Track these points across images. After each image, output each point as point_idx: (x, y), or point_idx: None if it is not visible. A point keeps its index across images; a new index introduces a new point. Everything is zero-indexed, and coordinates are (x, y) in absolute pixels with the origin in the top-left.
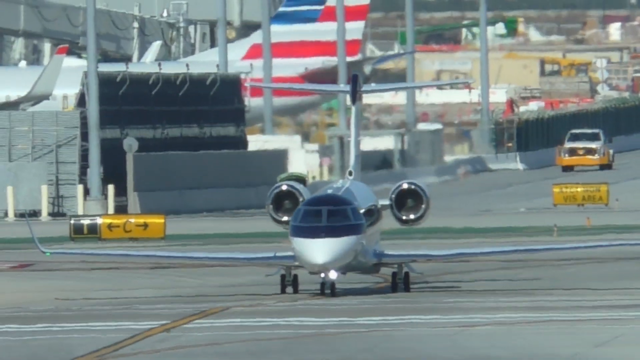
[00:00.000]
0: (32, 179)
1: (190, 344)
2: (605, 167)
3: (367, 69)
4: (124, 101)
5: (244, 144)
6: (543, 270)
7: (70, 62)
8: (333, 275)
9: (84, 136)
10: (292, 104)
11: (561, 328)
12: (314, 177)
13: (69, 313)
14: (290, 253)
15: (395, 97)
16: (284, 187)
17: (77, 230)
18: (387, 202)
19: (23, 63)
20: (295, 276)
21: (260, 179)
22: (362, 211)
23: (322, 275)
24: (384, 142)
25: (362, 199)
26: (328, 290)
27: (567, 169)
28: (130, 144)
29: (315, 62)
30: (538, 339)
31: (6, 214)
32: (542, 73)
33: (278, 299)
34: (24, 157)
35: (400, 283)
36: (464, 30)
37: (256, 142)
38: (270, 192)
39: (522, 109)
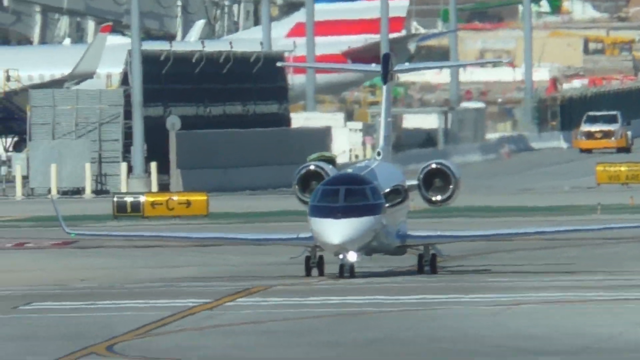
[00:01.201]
0: (76, 157)
1: (233, 322)
2: (623, 150)
3: (411, 46)
4: (167, 79)
5: (286, 121)
6: (586, 249)
7: (114, 40)
8: (352, 256)
9: (128, 114)
10: (334, 81)
11: (604, 307)
12: (357, 156)
13: (112, 290)
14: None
15: (439, 75)
16: (311, 167)
17: (120, 208)
18: (415, 182)
19: (67, 41)
20: (321, 257)
21: (303, 156)
22: (387, 191)
23: (341, 256)
24: (428, 121)
25: (386, 180)
26: (347, 273)
27: (585, 151)
28: (173, 122)
29: (358, 40)
30: (581, 318)
31: (50, 192)
32: (586, 51)
33: (320, 277)
34: (67, 135)
35: (427, 265)
36: (519, 7)
37: (299, 119)
38: (297, 172)
39: (565, 87)
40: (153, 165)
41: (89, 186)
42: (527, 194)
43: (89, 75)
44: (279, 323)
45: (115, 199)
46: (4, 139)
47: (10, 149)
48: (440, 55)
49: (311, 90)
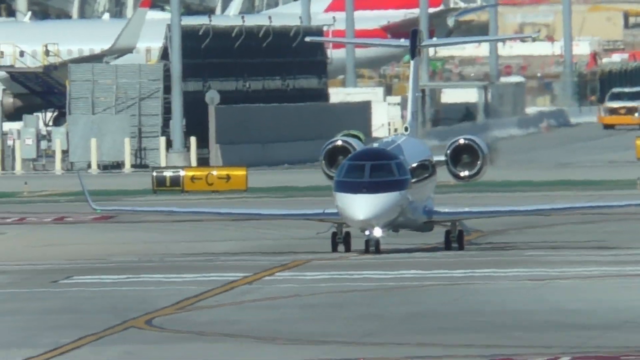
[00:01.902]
0: (115, 131)
1: (272, 295)
2: None
3: (451, 21)
4: (206, 54)
5: (325, 96)
6: (625, 224)
7: (153, 15)
8: (378, 232)
9: (167, 89)
10: (374, 56)
11: None
12: (395, 130)
13: (152, 264)
14: None
15: (478, 49)
16: (338, 143)
17: (160, 182)
18: (442, 157)
19: (106, 16)
20: (347, 233)
21: (342, 131)
22: (413, 166)
23: (367, 232)
24: (467, 95)
25: (413, 155)
26: (373, 247)
27: (608, 127)
28: (212, 96)
29: (398, 14)
30: (621, 292)
31: (90, 166)
32: (626, 25)
33: (361, 251)
34: (107, 109)
35: (454, 242)
36: None
37: (338, 94)
38: (324, 147)
39: (605, 61)
40: (192, 139)
41: (128, 161)
42: (566, 168)
43: (129, 50)
44: (317, 297)
45: (154, 174)
46: (43, 114)
47: (50, 123)
48: (479, 30)
49: (351, 65)
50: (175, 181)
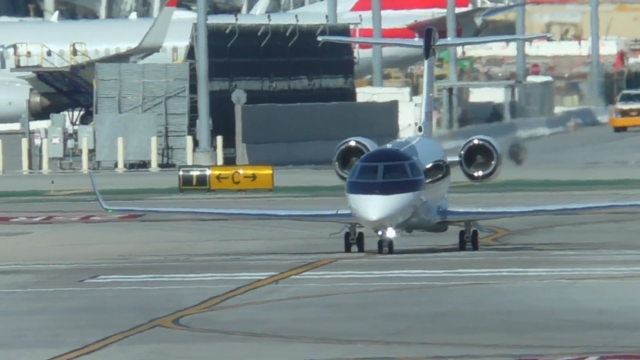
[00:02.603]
0: (142, 130)
1: (298, 295)
2: None
3: (478, 20)
4: (233, 53)
5: (352, 96)
6: None
7: (179, 14)
8: (391, 233)
9: (193, 88)
10: (401, 56)
11: None
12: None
13: (178, 264)
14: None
15: (506, 49)
16: (352, 143)
17: (186, 181)
18: (456, 158)
19: (133, 15)
20: (361, 234)
21: (369, 131)
22: (427, 167)
23: (380, 232)
24: (495, 94)
25: (427, 155)
26: (386, 248)
27: (619, 129)
28: (238, 96)
29: (425, 13)
30: None
31: (116, 165)
32: None
33: (374, 252)
34: (133, 108)
35: (469, 242)
36: None
37: (365, 94)
38: (337, 148)
39: (631, 61)
40: (219, 139)
41: (154, 160)
42: (593, 167)
43: (155, 49)
44: (344, 296)
45: (181, 173)
46: (70, 113)
47: (77, 122)
48: (506, 29)
49: (378, 65)
50: (202, 180)
